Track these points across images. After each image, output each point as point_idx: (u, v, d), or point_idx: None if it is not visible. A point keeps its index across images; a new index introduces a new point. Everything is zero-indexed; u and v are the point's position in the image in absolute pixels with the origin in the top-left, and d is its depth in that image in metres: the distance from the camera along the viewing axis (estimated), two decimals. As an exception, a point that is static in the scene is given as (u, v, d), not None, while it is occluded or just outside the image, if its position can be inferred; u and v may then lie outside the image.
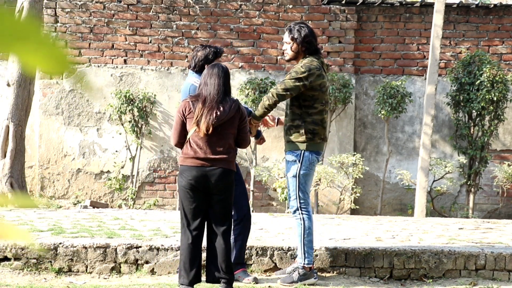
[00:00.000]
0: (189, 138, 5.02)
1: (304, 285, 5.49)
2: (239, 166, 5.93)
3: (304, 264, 5.51)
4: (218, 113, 4.93)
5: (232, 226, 5.35)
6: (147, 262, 5.84)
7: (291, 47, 5.53)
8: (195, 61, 5.47)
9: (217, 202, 5.03)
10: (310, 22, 10.23)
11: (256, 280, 5.56)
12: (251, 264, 5.94)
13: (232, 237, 5.51)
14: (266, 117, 5.72)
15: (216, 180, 4.96)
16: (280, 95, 5.43)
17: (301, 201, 5.52)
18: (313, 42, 5.55)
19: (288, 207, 9.53)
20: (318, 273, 5.82)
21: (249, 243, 6.03)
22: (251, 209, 9.80)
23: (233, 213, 5.63)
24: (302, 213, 5.51)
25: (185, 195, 5.05)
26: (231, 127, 5.01)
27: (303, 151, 5.48)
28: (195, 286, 5.13)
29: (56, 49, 0.99)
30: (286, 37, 5.56)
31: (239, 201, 5.62)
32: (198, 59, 5.46)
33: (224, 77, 5.02)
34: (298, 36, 5.49)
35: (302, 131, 5.48)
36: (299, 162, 5.48)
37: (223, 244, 5.04)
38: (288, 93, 5.42)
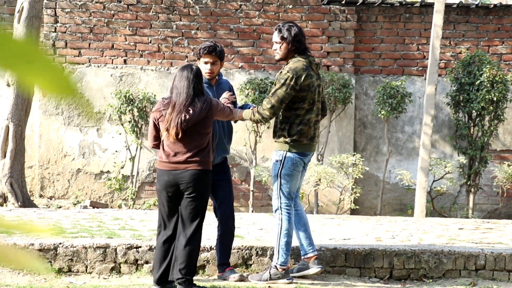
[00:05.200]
0: (162, 142, 5.13)
1: (275, 284, 5.51)
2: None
3: (277, 264, 5.53)
4: (187, 116, 4.99)
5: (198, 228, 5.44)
6: (147, 262, 5.84)
7: (280, 47, 5.50)
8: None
9: (187, 203, 5.08)
10: (310, 22, 10.24)
11: (242, 278, 5.60)
12: (251, 264, 5.95)
13: (217, 238, 5.68)
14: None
15: (187, 182, 5.03)
16: (276, 108, 5.41)
17: (282, 201, 5.52)
18: (302, 41, 5.53)
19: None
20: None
21: (249, 243, 6.04)
22: (251, 209, 9.82)
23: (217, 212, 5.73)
24: (281, 214, 5.52)
25: (160, 197, 5.20)
26: (204, 127, 5.07)
27: (285, 152, 5.48)
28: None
29: (59, 72, 0.99)
30: (276, 37, 5.53)
31: (223, 202, 5.67)
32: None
33: (194, 79, 5.06)
34: (288, 36, 5.46)
35: (286, 133, 5.48)
36: (280, 162, 5.49)
37: (185, 245, 5.06)
38: (283, 104, 5.41)
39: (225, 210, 5.68)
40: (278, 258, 5.52)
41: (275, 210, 5.58)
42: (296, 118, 5.47)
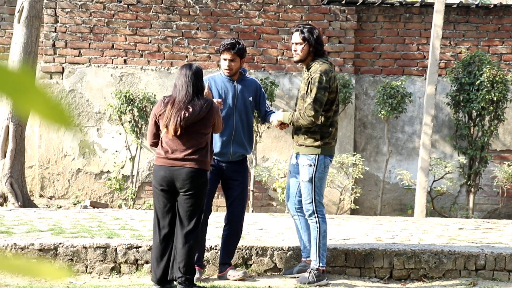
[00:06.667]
0: (161, 138, 5.14)
1: (316, 287, 5.53)
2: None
3: (319, 266, 5.53)
4: (187, 114, 5.00)
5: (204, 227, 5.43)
6: (147, 262, 5.84)
7: (302, 48, 5.47)
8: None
9: (184, 201, 5.08)
10: (310, 22, 10.23)
11: (245, 275, 5.62)
12: (251, 264, 5.94)
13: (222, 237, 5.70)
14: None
15: (184, 179, 5.03)
16: (319, 113, 5.39)
17: (317, 204, 5.52)
18: (323, 44, 5.57)
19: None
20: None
21: (249, 243, 6.04)
22: (251, 209, 9.81)
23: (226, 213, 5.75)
24: (318, 216, 5.52)
25: (155, 194, 5.19)
26: (203, 127, 5.07)
27: (318, 155, 5.47)
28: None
29: (53, 103, 1.00)
30: (297, 37, 5.48)
31: (234, 203, 5.68)
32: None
33: (194, 77, 5.07)
34: (310, 37, 5.45)
35: (318, 136, 5.47)
36: (314, 166, 5.47)
37: (183, 243, 5.05)
38: (322, 108, 5.42)
39: (234, 211, 5.67)
40: (320, 261, 5.51)
41: (310, 214, 5.53)
42: (327, 121, 5.48)
